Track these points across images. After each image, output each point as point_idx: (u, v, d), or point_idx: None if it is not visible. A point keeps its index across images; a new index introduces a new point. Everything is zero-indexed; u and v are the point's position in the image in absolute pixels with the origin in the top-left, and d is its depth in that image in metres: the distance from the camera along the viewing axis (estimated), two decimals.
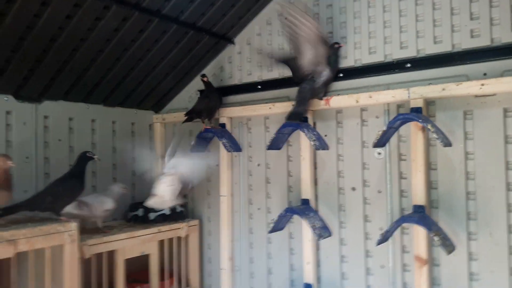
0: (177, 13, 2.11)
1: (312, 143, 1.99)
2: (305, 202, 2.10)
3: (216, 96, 2.35)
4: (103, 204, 2.05)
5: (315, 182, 2.13)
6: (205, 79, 2.32)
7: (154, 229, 2.21)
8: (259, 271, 2.33)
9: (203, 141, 2.43)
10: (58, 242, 1.66)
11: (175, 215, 2.40)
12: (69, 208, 1.86)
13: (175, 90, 2.67)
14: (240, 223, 2.39)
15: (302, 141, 2.11)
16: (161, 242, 2.28)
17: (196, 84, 2.61)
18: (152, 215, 2.33)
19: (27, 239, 1.56)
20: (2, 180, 1.48)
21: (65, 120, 2.25)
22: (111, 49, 2.10)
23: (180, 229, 2.36)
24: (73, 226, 1.71)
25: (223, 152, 2.39)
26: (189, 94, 2.65)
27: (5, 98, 2.01)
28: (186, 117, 2.39)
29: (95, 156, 1.92)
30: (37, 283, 1.64)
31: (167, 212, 2.36)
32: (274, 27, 2.33)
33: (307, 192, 2.10)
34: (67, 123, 2.27)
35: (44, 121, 2.16)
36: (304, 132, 2.02)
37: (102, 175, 2.39)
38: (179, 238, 2.38)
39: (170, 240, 2.34)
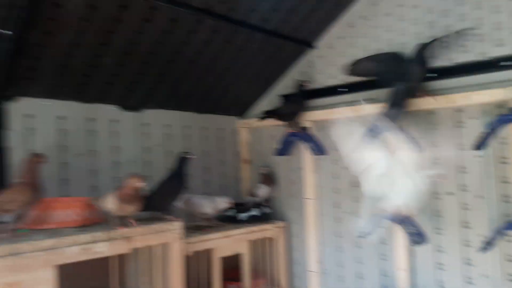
0: (262, 22, 2.20)
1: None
2: None
3: (302, 100, 2.40)
4: (204, 208, 2.18)
5: None
6: (304, 83, 2.38)
7: (245, 230, 2.31)
8: (348, 275, 2.33)
9: (287, 144, 2.49)
10: (166, 240, 1.81)
11: (263, 216, 2.48)
12: (178, 205, 2.01)
13: (258, 96, 2.77)
14: (327, 226, 2.42)
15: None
16: (252, 243, 2.37)
17: (277, 90, 2.68)
18: (241, 216, 2.43)
19: (141, 236, 1.71)
20: (133, 196, 1.67)
21: (162, 127, 2.44)
22: (202, 60, 2.24)
23: (269, 230, 2.44)
24: (179, 225, 1.85)
25: (307, 155, 2.44)
26: (272, 99, 2.73)
27: (113, 108, 2.22)
28: (263, 115, 2.48)
29: (191, 155, 2.02)
30: (148, 277, 1.79)
31: (257, 213, 2.44)
32: (357, 30, 2.34)
33: None
34: (164, 129, 2.45)
35: (145, 128, 2.36)
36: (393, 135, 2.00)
37: (195, 177, 2.53)
38: (268, 239, 2.46)
39: (260, 240, 2.42)
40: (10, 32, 1.55)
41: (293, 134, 2.42)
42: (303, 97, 2.42)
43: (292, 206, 2.61)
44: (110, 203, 1.65)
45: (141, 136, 2.34)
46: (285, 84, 2.64)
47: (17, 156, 1.82)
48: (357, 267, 2.29)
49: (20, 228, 1.54)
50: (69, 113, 2.05)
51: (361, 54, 2.25)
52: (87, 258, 1.54)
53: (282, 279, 2.53)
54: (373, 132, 1.98)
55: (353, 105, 2.22)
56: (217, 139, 2.73)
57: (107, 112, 2.19)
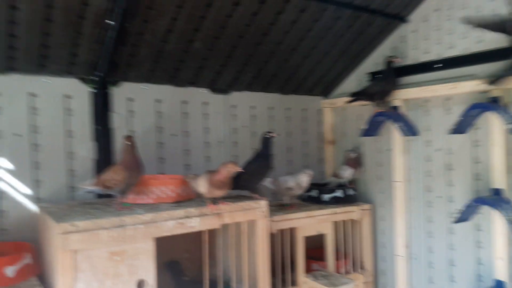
0: None
1: (509, 126, 1.78)
2: (497, 192, 1.91)
3: (393, 78, 2.28)
4: (288, 183, 2.21)
5: (509, 170, 1.91)
6: (394, 60, 2.27)
7: (329, 210, 2.30)
8: (439, 261, 2.22)
9: (374, 125, 2.40)
10: (252, 217, 1.87)
11: (347, 198, 2.44)
12: (263, 185, 2.07)
13: (344, 74, 2.69)
14: (416, 211, 2.31)
15: (493, 124, 1.91)
16: (336, 224, 2.36)
17: (365, 67, 2.58)
18: (325, 197, 2.42)
19: (230, 213, 1.80)
20: (224, 182, 1.75)
21: (248, 108, 2.50)
22: (289, 40, 2.23)
23: (353, 212, 2.40)
24: (264, 203, 1.90)
25: (396, 136, 2.33)
26: (358, 77, 2.63)
27: (204, 91, 2.32)
28: (351, 98, 2.40)
29: (272, 134, 2.00)
30: (236, 252, 1.89)
31: (341, 194, 2.42)
32: (455, 0, 2.13)
33: (499, 181, 1.91)
34: (250, 111, 2.51)
35: (232, 110, 2.44)
36: (497, 114, 1.82)
37: (279, 157, 2.57)
38: (352, 221, 2.43)
39: (344, 222, 2.40)
40: (112, 23, 1.70)
41: (381, 114, 2.32)
42: (393, 74, 2.29)
43: (379, 188, 2.53)
44: (202, 187, 1.73)
45: (229, 118, 2.42)
46: (373, 62, 2.53)
47: (119, 137, 2.00)
48: (449, 254, 2.17)
49: (125, 202, 1.71)
50: (164, 96, 2.19)
51: (460, 27, 2.06)
52: (182, 232, 1.66)
53: (367, 261, 2.49)
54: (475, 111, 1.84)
55: (450, 82, 2.06)
56: (301, 120, 2.73)
57: (199, 95, 2.31)
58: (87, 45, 1.78)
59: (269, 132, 2.02)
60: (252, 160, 2.01)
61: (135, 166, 1.65)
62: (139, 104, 2.12)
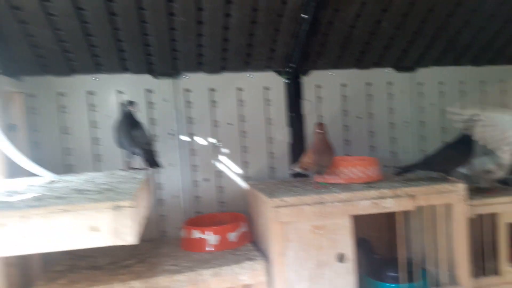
0: None
1: None
2: None
3: None
4: (483, 165, 2.04)
5: None
6: None
7: None
8: None
9: None
10: (448, 201, 1.80)
11: None
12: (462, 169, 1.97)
13: None
14: None
15: None
16: None
17: None
18: None
19: (424, 195, 1.77)
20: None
21: (437, 84, 2.37)
22: (487, 7, 2.01)
23: None
24: (462, 187, 1.80)
25: None
26: None
27: (386, 71, 2.30)
28: None
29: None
30: (431, 235, 1.85)
31: None
32: None
33: None
34: (438, 87, 2.37)
35: (419, 88, 2.35)
36: None
37: None
38: None
39: None
40: (306, 16, 1.83)
41: None
42: None
43: None
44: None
45: (415, 96, 2.34)
46: None
47: (310, 122, 2.17)
48: None
49: (321, 182, 1.86)
50: (349, 80, 2.26)
51: None
52: (376, 212, 1.72)
53: None
54: None
55: None
56: (499, 93, 2.44)
57: (383, 75, 2.29)
58: (283, 40, 1.96)
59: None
60: (454, 143, 1.91)
61: (326, 150, 1.77)
62: (326, 90, 2.23)
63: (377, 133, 2.30)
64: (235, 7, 1.73)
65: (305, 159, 1.79)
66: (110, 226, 1.01)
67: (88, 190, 1.25)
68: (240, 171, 2.15)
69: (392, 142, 2.32)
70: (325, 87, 2.23)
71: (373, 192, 1.71)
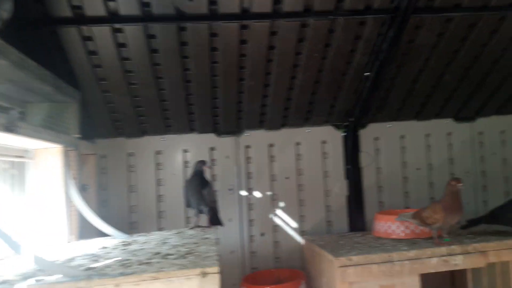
0: None
1: None
2: None
3: None
4: None
5: None
6: None
7: None
8: None
9: None
10: None
11: None
12: None
13: None
14: None
15: None
16: None
17: None
18: None
19: (496, 251, 1.69)
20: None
21: (498, 134, 2.31)
22: None
23: None
24: None
25: None
26: None
27: (446, 121, 2.27)
28: None
29: None
30: None
31: None
32: None
33: None
34: (500, 136, 2.31)
35: (479, 137, 2.30)
36: None
37: None
38: None
39: None
40: (369, 73, 1.84)
41: None
42: None
43: None
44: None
45: (476, 146, 2.29)
46: None
47: (367, 175, 2.16)
48: None
49: (443, 237, 1.72)
50: (408, 131, 2.23)
51: None
52: (445, 269, 1.65)
53: None
54: None
55: None
56: None
57: (442, 126, 2.26)
58: (344, 96, 1.97)
59: None
60: None
61: (458, 208, 1.64)
62: (384, 141, 2.21)
63: (436, 184, 2.25)
64: (301, 69, 1.76)
65: (431, 213, 1.66)
66: None
67: (170, 254, 1.26)
68: (296, 225, 2.12)
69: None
70: (383, 139, 2.21)
71: (442, 249, 1.65)
